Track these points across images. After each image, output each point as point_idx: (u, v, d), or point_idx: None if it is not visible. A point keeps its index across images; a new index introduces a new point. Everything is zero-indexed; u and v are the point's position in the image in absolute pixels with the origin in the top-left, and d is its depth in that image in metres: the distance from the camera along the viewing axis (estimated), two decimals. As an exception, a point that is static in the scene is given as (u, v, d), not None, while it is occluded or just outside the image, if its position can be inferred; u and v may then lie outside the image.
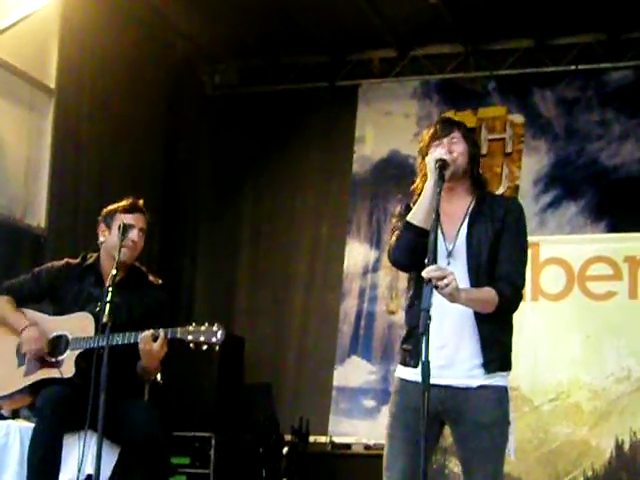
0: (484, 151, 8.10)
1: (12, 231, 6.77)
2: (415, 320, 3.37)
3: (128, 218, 4.55)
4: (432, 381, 3.08)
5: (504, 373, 3.45)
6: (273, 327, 8.70)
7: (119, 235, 4.40)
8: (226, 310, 8.66)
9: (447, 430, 3.57)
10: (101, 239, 4.63)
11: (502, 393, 3.42)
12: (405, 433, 3.40)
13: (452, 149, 3.47)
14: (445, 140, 3.51)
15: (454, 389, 3.36)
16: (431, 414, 3.11)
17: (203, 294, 9.00)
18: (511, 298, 3.40)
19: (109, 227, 4.59)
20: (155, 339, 4.26)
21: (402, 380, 3.50)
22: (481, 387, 3.38)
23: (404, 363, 3.51)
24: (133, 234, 4.52)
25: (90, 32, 7.28)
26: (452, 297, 3.21)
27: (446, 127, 3.57)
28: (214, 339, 4.23)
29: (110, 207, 4.66)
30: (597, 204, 8.06)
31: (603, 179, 8.14)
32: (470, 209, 3.50)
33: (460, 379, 3.38)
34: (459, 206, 3.51)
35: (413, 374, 3.43)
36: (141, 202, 4.67)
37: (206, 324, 4.25)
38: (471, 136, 3.63)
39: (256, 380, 8.26)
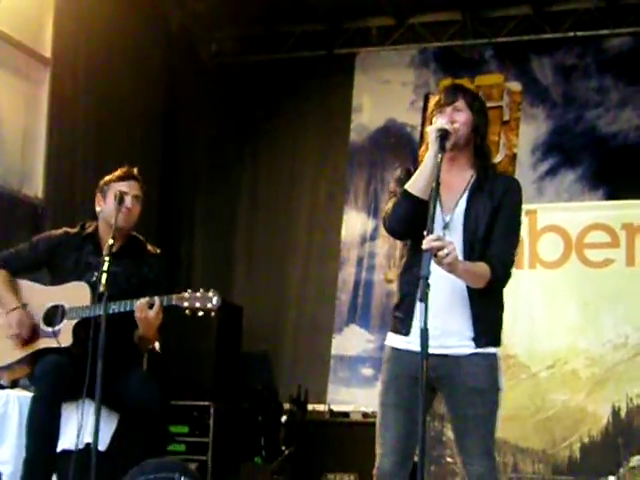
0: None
1: (10, 202, 6.75)
2: (409, 287, 3.40)
3: (122, 186, 4.56)
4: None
5: (494, 348, 3.47)
6: (271, 296, 8.72)
7: (115, 204, 4.43)
8: (224, 279, 8.68)
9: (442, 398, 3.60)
10: (98, 209, 4.65)
11: (493, 360, 3.45)
12: (398, 400, 3.42)
13: (454, 118, 3.45)
14: (448, 109, 3.48)
15: (445, 356, 3.38)
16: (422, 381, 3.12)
17: (201, 263, 9.02)
18: (501, 277, 3.43)
19: (105, 196, 4.61)
20: (151, 307, 4.27)
21: (393, 349, 3.51)
22: (472, 354, 3.40)
23: (395, 330, 3.51)
24: (127, 201, 4.53)
25: (85, 1, 7.23)
26: (450, 267, 3.21)
27: (450, 95, 3.53)
28: (210, 305, 4.24)
29: (106, 177, 4.67)
30: (595, 172, 8.05)
31: (601, 146, 8.13)
32: (470, 183, 3.49)
33: (451, 349, 3.41)
34: (459, 178, 3.50)
35: (404, 342, 3.45)
36: (135, 170, 4.68)
37: (201, 290, 4.26)
38: (477, 104, 3.57)
39: (254, 349, 8.29)
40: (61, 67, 7.15)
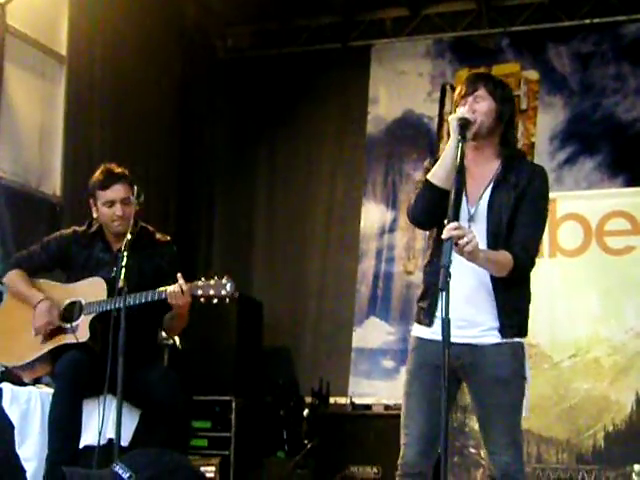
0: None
1: (28, 200, 6.76)
2: (432, 278, 3.37)
3: (107, 195, 4.51)
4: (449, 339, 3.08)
5: (520, 338, 3.45)
6: (291, 290, 8.70)
7: (107, 215, 4.48)
8: (244, 274, 8.66)
9: (466, 388, 3.58)
10: (94, 215, 4.62)
11: (518, 348, 3.42)
12: (422, 390, 3.41)
13: (475, 108, 3.42)
14: (470, 98, 3.46)
15: (469, 346, 3.36)
16: (448, 371, 3.10)
17: (220, 258, 9.02)
18: (525, 264, 3.40)
19: (95, 204, 4.58)
20: (183, 291, 4.24)
21: (418, 338, 3.50)
22: (497, 344, 3.38)
23: (419, 321, 3.50)
24: (116, 209, 4.50)
25: (100, -3, 7.24)
26: (471, 256, 3.19)
27: (471, 84, 3.50)
28: (223, 291, 4.21)
29: (91, 181, 4.59)
30: (614, 159, 7.98)
31: (619, 134, 8.06)
32: (495, 174, 3.46)
33: (476, 339, 3.38)
34: (485, 169, 3.48)
35: (429, 332, 3.44)
36: (116, 169, 4.57)
37: (215, 277, 4.24)
38: (500, 91, 3.52)
39: (275, 343, 8.29)
40: (77, 65, 7.15)
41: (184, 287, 4.22)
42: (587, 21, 8.22)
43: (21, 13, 6.57)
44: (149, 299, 4.26)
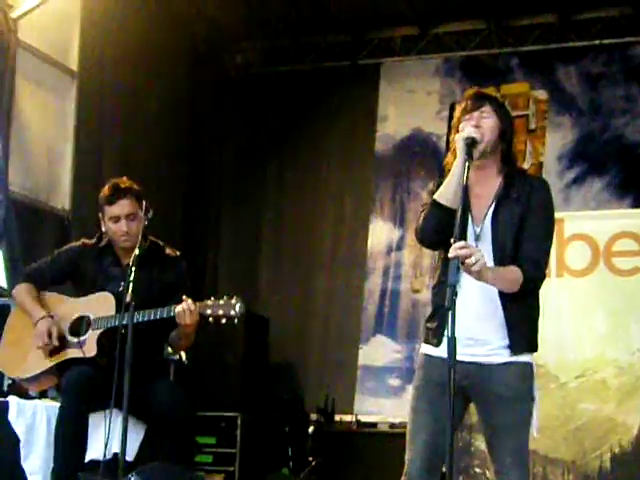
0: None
1: (37, 214, 6.79)
2: (441, 299, 3.36)
3: (112, 210, 4.50)
4: (457, 358, 3.07)
5: (529, 354, 3.43)
6: (298, 307, 8.71)
7: (112, 231, 4.48)
8: (251, 291, 8.68)
9: (473, 407, 3.57)
10: (103, 229, 4.63)
11: (526, 368, 3.41)
12: (429, 407, 3.39)
13: (481, 123, 3.43)
14: (475, 114, 3.47)
15: (477, 365, 3.35)
16: (455, 389, 3.10)
17: (227, 275, 9.03)
18: (534, 277, 3.37)
19: (103, 219, 4.58)
20: (191, 311, 4.23)
21: (426, 355, 3.49)
22: (506, 363, 3.37)
23: (426, 341, 3.50)
24: (121, 225, 4.50)
25: (111, 14, 7.27)
26: (479, 275, 3.19)
27: (477, 101, 3.51)
28: (232, 312, 4.19)
29: (100, 195, 4.59)
30: (622, 180, 7.99)
31: (628, 154, 8.07)
32: (498, 191, 3.46)
33: (485, 357, 3.37)
34: (488, 188, 3.47)
35: (437, 351, 3.42)
36: (123, 184, 4.54)
37: (225, 297, 4.22)
38: (503, 110, 3.54)
39: (281, 360, 8.29)
40: (87, 80, 7.20)
41: (192, 307, 4.21)
42: (597, 42, 8.24)
43: (33, 28, 6.62)
44: (157, 316, 4.26)
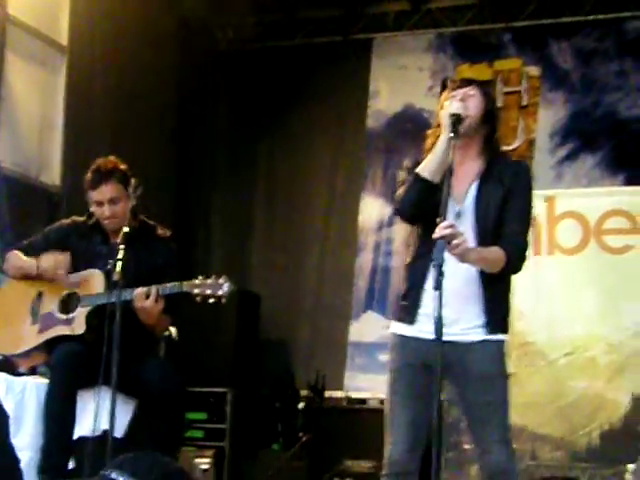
0: (500, 104, 8.00)
1: (27, 190, 6.77)
2: (416, 276, 3.40)
3: (94, 196, 4.51)
4: (432, 336, 3.10)
5: (503, 335, 3.46)
6: (289, 283, 8.71)
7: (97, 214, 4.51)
8: (242, 267, 8.68)
9: (450, 386, 3.59)
10: (91, 209, 4.63)
11: (501, 347, 3.45)
12: (406, 389, 3.41)
13: (466, 100, 3.45)
14: (461, 91, 3.49)
15: (454, 343, 3.36)
16: (429, 367, 3.13)
17: (219, 251, 9.02)
18: (517, 258, 3.43)
19: (89, 201, 4.59)
20: (148, 296, 4.25)
21: (399, 336, 3.49)
22: (481, 341, 3.39)
23: (399, 319, 3.49)
24: (104, 210, 4.50)
25: (101, -13, 7.23)
26: (462, 257, 3.22)
27: (464, 82, 3.59)
28: (220, 292, 4.20)
29: (84, 178, 4.58)
30: (615, 156, 7.97)
31: (621, 131, 8.05)
32: (480, 171, 3.49)
33: (462, 336, 3.39)
34: (469, 167, 3.51)
35: (411, 330, 3.43)
36: (105, 167, 4.53)
37: (213, 277, 4.23)
38: (489, 95, 3.62)
39: (272, 336, 8.30)
40: (77, 54, 7.15)
41: (152, 291, 4.22)
42: (590, 17, 8.19)
43: (22, 3, 6.59)
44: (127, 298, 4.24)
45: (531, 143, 8.02)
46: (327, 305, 8.56)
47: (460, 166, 3.45)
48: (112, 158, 4.62)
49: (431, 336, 3.10)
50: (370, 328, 8.28)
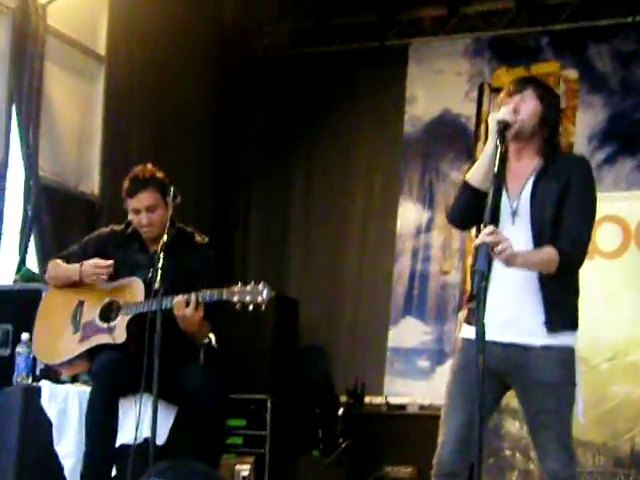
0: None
1: (66, 199, 6.83)
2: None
3: (132, 204, 4.54)
4: (493, 338, 3.10)
5: (569, 332, 3.39)
6: (327, 289, 8.70)
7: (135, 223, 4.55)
8: (280, 273, 8.70)
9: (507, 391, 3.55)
10: (129, 217, 4.67)
11: (567, 354, 3.36)
12: (464, 390, 3.36)
13: (519, 108, 3.40)
14: (516, 97, 3.44)
15: (516, 347, 3.32)
16: (491, 372, 3.12)
17: (257, 258, 9.03)
18: (573, 255, 3.33)
19: (127, 210, 4.63)
20: (188, 303, 4.26)
21: (464, 339, 3.47)
22: (545, 347, 3.33)
23: (469, 322, 3.47)
24: (141, 218, 4.53)
25: (139, -2, 7.29)
26: (507, 263, 3.18)
27: (520, 84, 3.50)
28: (260, 298, 4.18)
29: (124, 186, 4.62)
30: (654, 160, 7.89)
31: (660, 134, 7.97)
32: (537, 168, 3.44)
33: (522, 337, 3.34)
34: (527, 165, 3.45)
35: (473, 332, 3.41)
36: (142, 175, 4.56)
37: (252, 283, 4.21)
38: (548, 97, 3.51)
39: (311, 342, 8.30)
40: (116, 64, 7.21)
41: (189, 299, 4.23)
42: (629, 19, 8.11)
43: (61, 14, 6.64)
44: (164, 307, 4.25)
45: (570, 146, 7.96)
46: (365, 310, 8.54)
47: (518, 164, 3.42)
48: (149, 166, 4.64)
49: (493, 338, 3.08)
50: (409, 334, 8.26)
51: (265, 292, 4.18)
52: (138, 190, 4.53)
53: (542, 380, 3.32)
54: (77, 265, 4.60)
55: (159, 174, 4.60)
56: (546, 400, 3.33)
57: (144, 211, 4.53)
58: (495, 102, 3.57)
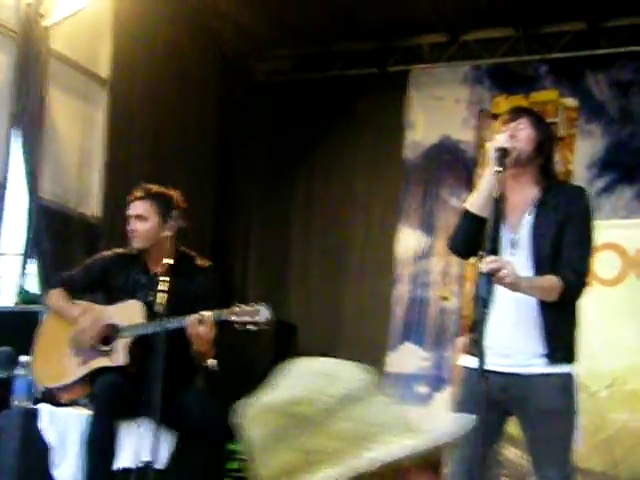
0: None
1: (67, 221, 6.84)
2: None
3: (127, 211, 4.69)
4: (494, 368, 3.09)
5: (568, 365, 3.40)
6: (325, 313, 8.70)
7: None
8: (279, 298, 8.68)
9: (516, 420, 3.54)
10: None
11: (567, 380, 3.37)
12: None
13: (516, 134, 3.43)
14: (512, 124, 3.48)
15: (516, 376, 3.33)
16: (492, 401, 3.11)
17: (255, 282, 9.04)
18: (574, 285, 3.36)
19: None
20: (201, 322, 4.27)
21: (466, 368, 3.48)
22: (544, 375, 3.34)
23: (470, 352, 3.47)
24: (130, 223, 4.63)
25: (141, 22, 7.31)
26: (513, 287, 3.19)
27: (514, 113, 3.56)
28: (259, 319, 4.23)
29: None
30: (653, 188, 7.91)
31: (659, 163, 7.99)
32: (535, 199, 3.45)
33: (522, 367, 3.35)
34: (524, 196, 3.48)
35: (475, 362, 3.41)
36: (146, 187, 4.71)
37: (252, 304, 4.26)
38: (542, 126, 3.57)
39: (309, 367, 8.27)
40: (118, 88, 7.24)
41: (204, 318, 4.25)
42: (627, 48, 8.17)
43: (64, 36, 6.68)
44: (184, 324, 4.28)
45: (568, 174, 7.99)
46: (364, 336, 8.53)
47: (515, 195, 3.44)
48: (155, 186, 4.73)
49: (493, 368, 3.08)
50: (407, 359, 8.25)
51: (265, 313, 4.25)
52: (133, 200, 4.69)
53: (543, 408, 3.33)
54: (75, 314, 4.61)
55: (163, 192, 4.68)
56: (547, 428, 3.33)
57: (133, 218, 4.61)
58: (491, 130, 3.61)
